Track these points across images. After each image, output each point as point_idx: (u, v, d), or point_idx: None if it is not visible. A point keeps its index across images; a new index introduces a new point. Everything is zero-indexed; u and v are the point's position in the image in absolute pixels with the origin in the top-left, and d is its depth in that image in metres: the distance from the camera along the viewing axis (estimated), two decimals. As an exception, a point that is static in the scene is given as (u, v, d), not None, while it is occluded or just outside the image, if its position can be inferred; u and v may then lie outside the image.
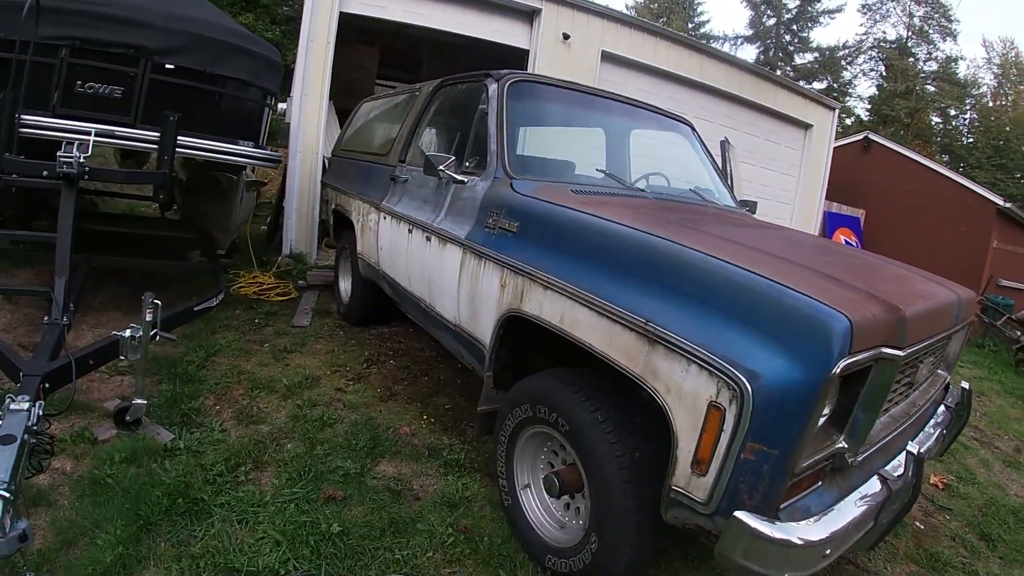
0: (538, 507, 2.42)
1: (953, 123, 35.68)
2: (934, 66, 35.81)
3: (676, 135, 3.93)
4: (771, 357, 1.55)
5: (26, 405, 2.01)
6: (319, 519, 2.34)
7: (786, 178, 11.03)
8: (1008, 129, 29.83)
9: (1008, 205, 12.15)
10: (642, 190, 3.18)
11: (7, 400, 2.03)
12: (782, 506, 1.62)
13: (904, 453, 2.07)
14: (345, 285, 5.15)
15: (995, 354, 9.60)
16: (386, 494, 2.63)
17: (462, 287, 2.78)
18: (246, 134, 4.43)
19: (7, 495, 1.63)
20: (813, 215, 11.50)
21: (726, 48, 35.97)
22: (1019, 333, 9.84)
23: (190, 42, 3.84)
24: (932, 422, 2.48)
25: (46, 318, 2.93)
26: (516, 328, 2.48)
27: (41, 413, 2.09)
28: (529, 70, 7.72)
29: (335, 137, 7.34)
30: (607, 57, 8.27)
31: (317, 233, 6.92)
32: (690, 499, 1.69)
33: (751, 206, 3.84)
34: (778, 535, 1.54)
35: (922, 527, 3.23)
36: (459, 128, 3.47)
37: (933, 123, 35.51)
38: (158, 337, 2.73)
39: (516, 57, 7.87)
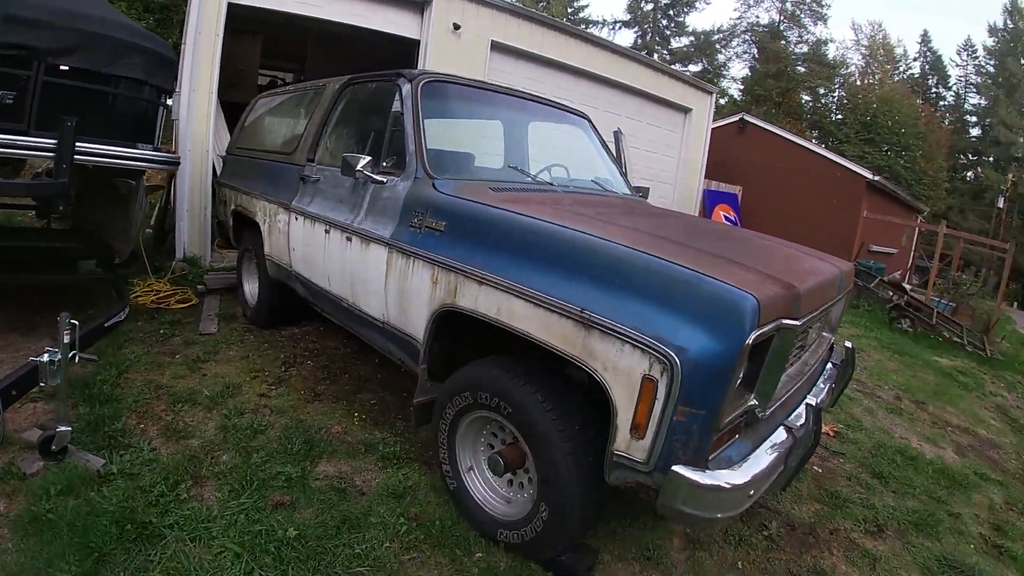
0: (483, 486, 2.58)
1: (822, 101, 38.91)
2: (805, 48, 38.87)
3: (575, 128, 4.15)
4: (694, 334, 1.81)
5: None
6: (273, 526, 2.35)
7: (667, 160, 11.67)
8: (875, 106, 32.67)
9: (877, 178, 13.51)
10: (550, 183, 3.36)
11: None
12: (710, 458, 1.91)
13: (803, 405, 2.43)
14: (251, 288, 5.03)
15: (870, 313, 10.58)
16: (332, 493, 2.68)
17: (390, 286, 2.85)
18: (143, 136, 4.22)
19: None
20: (694, 194, 12.27)
21: (604, 33, 37.22)
22: (891, 293, 11.02)
23: (85, 41, 3.61)
24: (823, 378, 2.87)
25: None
26: (448, 322, 2.60)
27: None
28: (420, 61, 7.73)
29: (222, 135, 7.07)
30: (497, 47, 8.39)
31: (211, 235, 6.64)
32: (631, 460, 1.93)
33: (644, 192, 4.15)
34: (710, 482, 1.84)
35: (820, 471, 3.66)
36: (371, 127, 3.50)
37: (803, 102, 38.53)
38: (78, 359, 2.60)
39: (406, 47, 7.84)
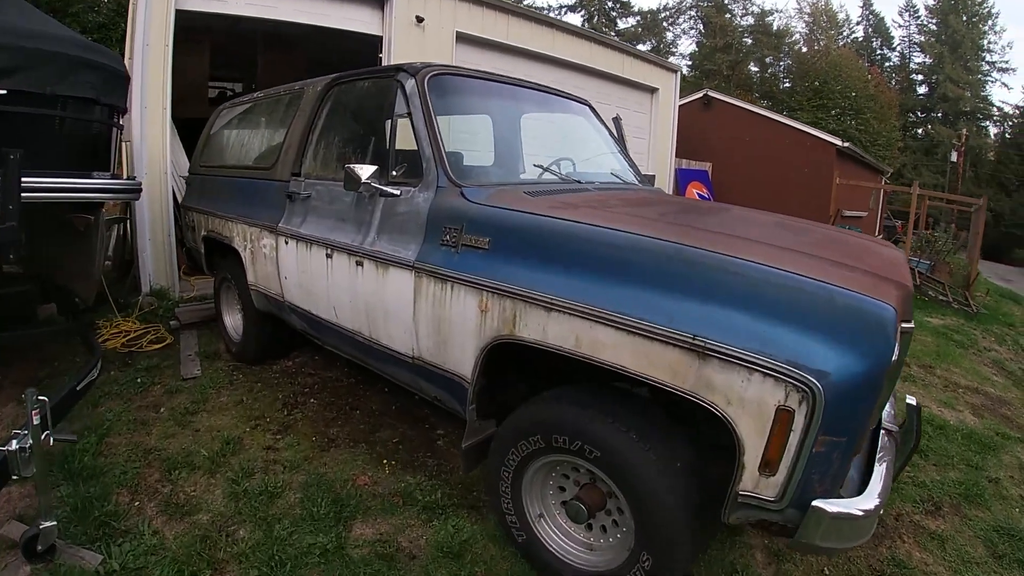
0: (558, 535, 2.24)
1: (770, 71, 39.34)
2: (750, 20, 39.23)
3: (580, 117, 3.79)
4: (834, 354, 1.54)
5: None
6: (322, 617, 1.96)
7: (638, 141, 11.43)
8: (825, 71, 33.06)
9: (847, 145, 13.49)
10: (578, 181, 3.01)
11: None
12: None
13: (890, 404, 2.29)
14: (233, 320, 4.56)
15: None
16: (379, 563, 2.29)
17: (420, 316, 2.45)
18: (98, 163, 3.72)
19: None
20: (666, 173, 12.07)
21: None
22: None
23: (26, 59, 3.10)
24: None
25: None
26: (500, 354, 2.23)
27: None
28: (384, 56, 7.30)
29: (178, 154, 6.52)
30: (462, 38, 8.01)
31: (176, 263, 6.11)
32: (759, 499, 1.67)
33: (651, 179, 3.83)
34: (849, 511, 1.62)
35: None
36: (368, 132, 3.10)
37: (751, 73, 38.88)
38: (52, 441, 2.15)
39: (368, 45, 7.41)
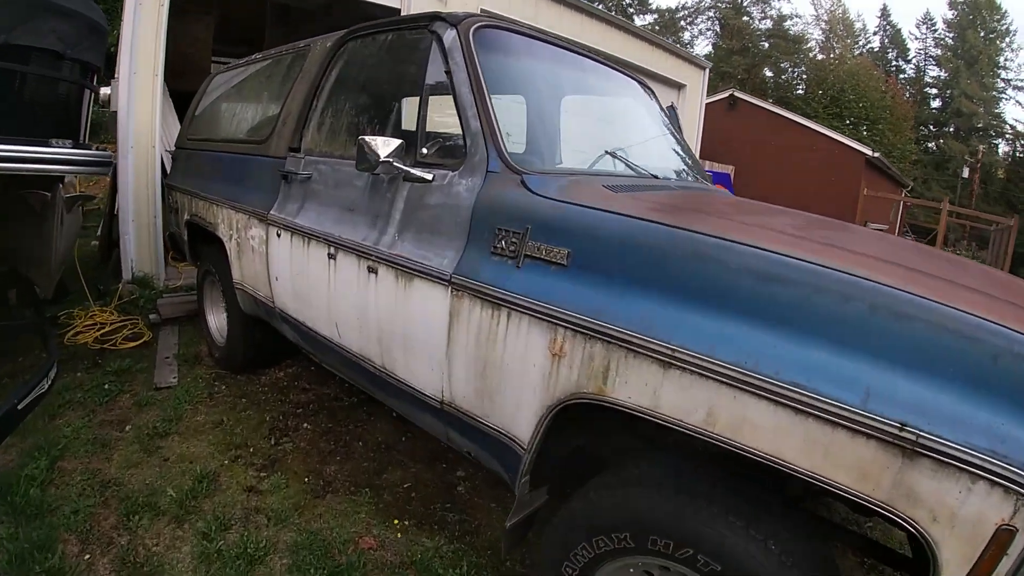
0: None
1: (784, 76, 38.87)
2: (769, 24, 38.75)
3: (637, 100, 3.14)
4: None
5: None
6: None
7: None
8: (844, 79, 32.49)
9: (876, 155, 12.91)
10: (655, 176, 2.38)
11: None
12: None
13: None
14: (217, 320, 3.92)
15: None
16: None
17: (458, 350, 1.81)
18: (62, 129, 3.08)
19: None
20: (691, 175, 11.44)
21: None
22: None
23: None
24: None
25: None
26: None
27: None
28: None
29: (172, 128, 5.88)
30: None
31: (163, 247, 5.46)
32: None
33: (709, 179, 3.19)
34: None
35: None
36: (389, 99, 2.47)
37: (766, 78, 38.39)
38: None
39: (382, 17, 6.73)
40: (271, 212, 2.80)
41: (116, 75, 5.20)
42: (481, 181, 1.82)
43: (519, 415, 1.67)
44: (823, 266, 1.23)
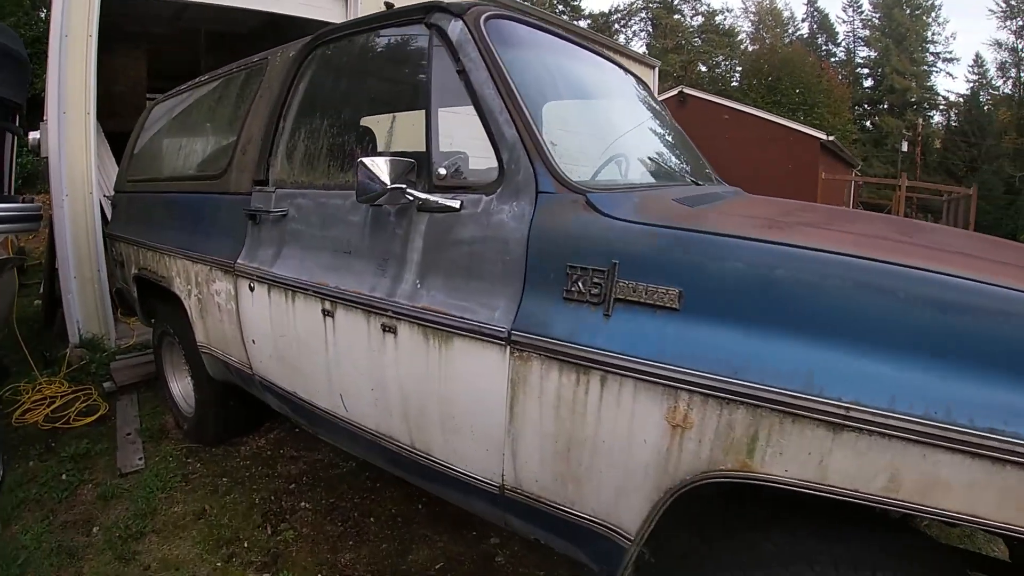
0: None
1: (717, 70, 39.65)
2: (700, 20, 39.51)
3: (641, 98, 2.78)
4: None
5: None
6: None
7: (624, 140, 10.64)
8: (778, 68, 33.18)
9: (831, 138, 12.99)
10: (696, 182, 2.02)
11: None
12: None
13: None
14: (180, 387, 3.41)
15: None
16: None
17: (524, 425, 1.38)
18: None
19: None
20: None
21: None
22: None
23: None
24: None
25: None
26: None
27: None
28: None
29: (110, 172, 5.31)
30: (436, 29, 6.97)
31: (111, 303, 4.86)
32: None
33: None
34: None
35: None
36: (378, 111, 2.03)
37: (702, 72, 39.07)
38: None
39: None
40: (238, 261, 2.32)
41: (44, 117, 4.63)
42: (531, 206, 1.40)
43: (623, 502, 1.26)
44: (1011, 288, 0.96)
